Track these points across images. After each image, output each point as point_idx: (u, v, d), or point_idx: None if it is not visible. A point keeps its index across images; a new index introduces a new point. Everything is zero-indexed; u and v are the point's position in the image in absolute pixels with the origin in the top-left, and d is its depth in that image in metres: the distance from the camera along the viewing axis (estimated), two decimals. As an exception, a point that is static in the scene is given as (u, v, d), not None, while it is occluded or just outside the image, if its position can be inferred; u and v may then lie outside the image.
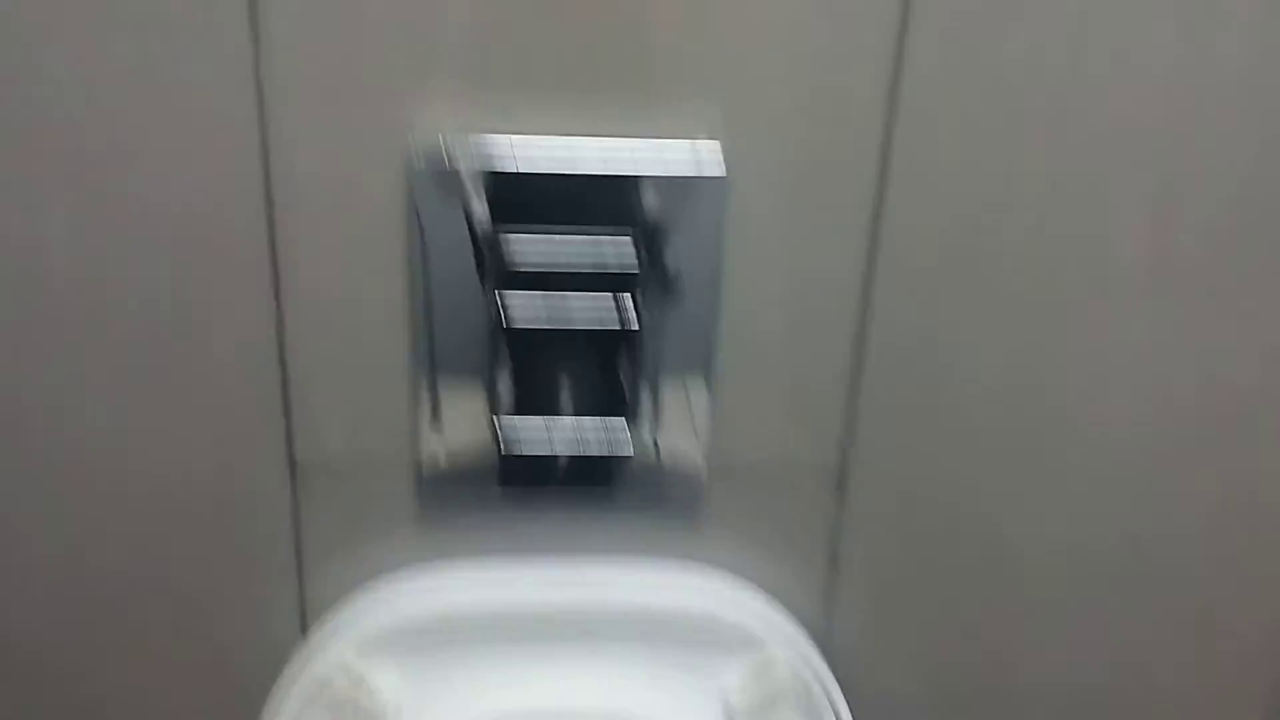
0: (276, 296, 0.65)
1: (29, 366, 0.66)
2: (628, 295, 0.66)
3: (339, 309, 0.66)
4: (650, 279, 0.66)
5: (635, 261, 0.66)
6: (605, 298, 0.67)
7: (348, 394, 0.67)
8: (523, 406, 0.69)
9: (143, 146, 0.61)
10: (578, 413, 0.69)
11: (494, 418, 0.69)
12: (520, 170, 0.63)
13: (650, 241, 0.66)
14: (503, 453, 0.70)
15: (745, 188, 0.64)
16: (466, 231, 0.65)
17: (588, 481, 0.71)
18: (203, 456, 0.68)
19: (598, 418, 0.70)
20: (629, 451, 0.70)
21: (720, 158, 0.63)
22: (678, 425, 0.70)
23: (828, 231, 0.66)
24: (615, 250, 0.66)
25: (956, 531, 0.74)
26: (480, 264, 0.65)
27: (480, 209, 0.64)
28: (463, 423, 0.69)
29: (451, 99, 0.62)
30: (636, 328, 0.67)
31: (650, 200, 0.65)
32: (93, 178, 0.61)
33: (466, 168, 0.63)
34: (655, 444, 0.70)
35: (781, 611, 0.72)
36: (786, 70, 0.62)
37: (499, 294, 0.66)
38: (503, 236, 0.65)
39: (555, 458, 0.70)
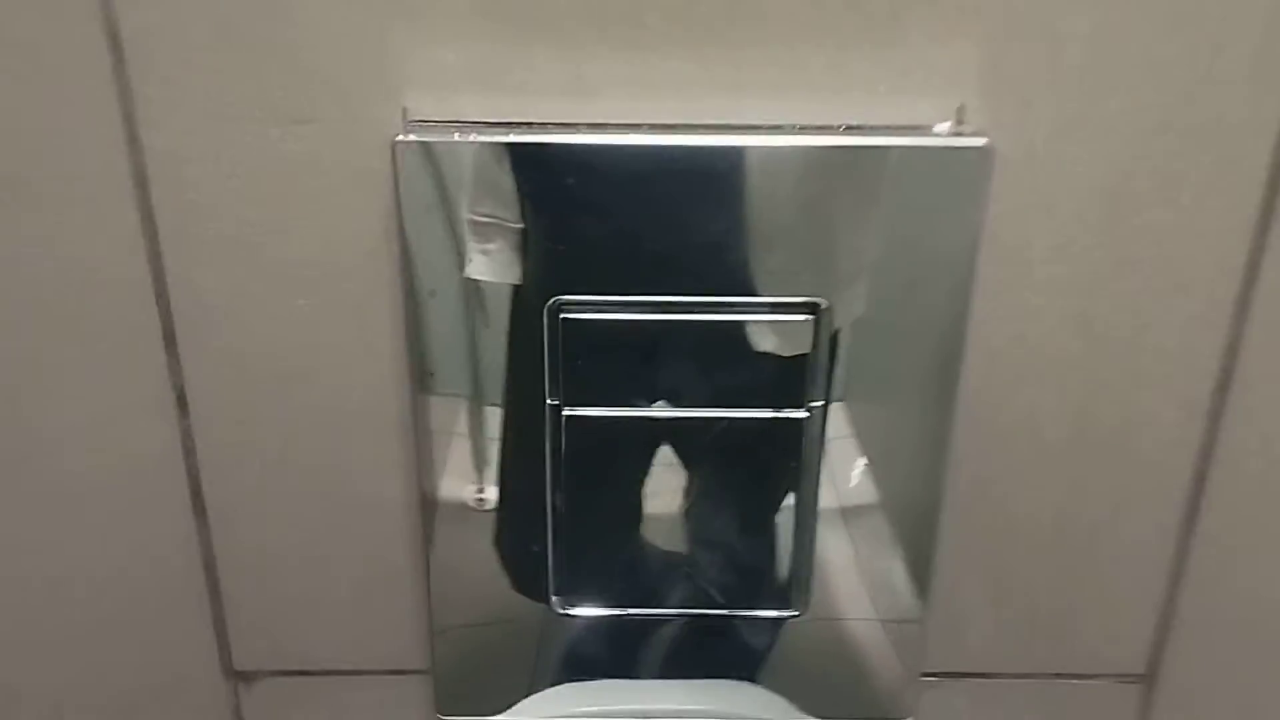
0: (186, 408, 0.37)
1: None
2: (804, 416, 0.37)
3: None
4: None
5: (819, 354, 0.37)
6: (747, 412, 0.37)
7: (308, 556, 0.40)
8: (606, 588, 0.40)
9: None
10: (703, 598, 0.40)
11: (557, 605, 0.40)
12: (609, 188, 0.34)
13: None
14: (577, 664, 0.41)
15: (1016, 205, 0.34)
16: (507, 302, 0.36)
17: (719, 707, 0.43)
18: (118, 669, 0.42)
19: (738, 612, 0.41)
20: (785, 656, 0.41)
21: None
22: (873, 611, 0.41)
23: (1157, 296, 0.36)
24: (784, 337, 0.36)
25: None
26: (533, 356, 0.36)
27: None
28: (506, 611, 0.40)
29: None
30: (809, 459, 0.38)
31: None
32: None
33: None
34: (832, 641, 0.41)
35: None
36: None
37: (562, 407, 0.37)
38: (569, 310, 0.36)
39: (662, 665, 0.42)
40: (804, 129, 0.34)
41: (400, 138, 0.33)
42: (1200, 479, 0.40)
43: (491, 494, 0.39)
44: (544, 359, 0.37)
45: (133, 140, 0.34)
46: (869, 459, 0.39)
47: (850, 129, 0.34)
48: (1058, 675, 0.43)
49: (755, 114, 0.34)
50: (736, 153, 0.34)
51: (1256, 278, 0.36)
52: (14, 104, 0.33)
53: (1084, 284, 0.36)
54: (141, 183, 0.34)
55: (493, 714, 0.43)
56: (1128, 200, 0.35)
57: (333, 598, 0.41)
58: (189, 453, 0.38)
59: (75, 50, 0.32)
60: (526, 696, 0.43)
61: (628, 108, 0.34)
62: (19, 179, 0.34)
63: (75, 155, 0.34)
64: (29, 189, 0.34)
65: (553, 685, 0.42)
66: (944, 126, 0.34)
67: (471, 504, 0.39)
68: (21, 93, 0.33)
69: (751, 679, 0.42)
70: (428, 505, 0.39)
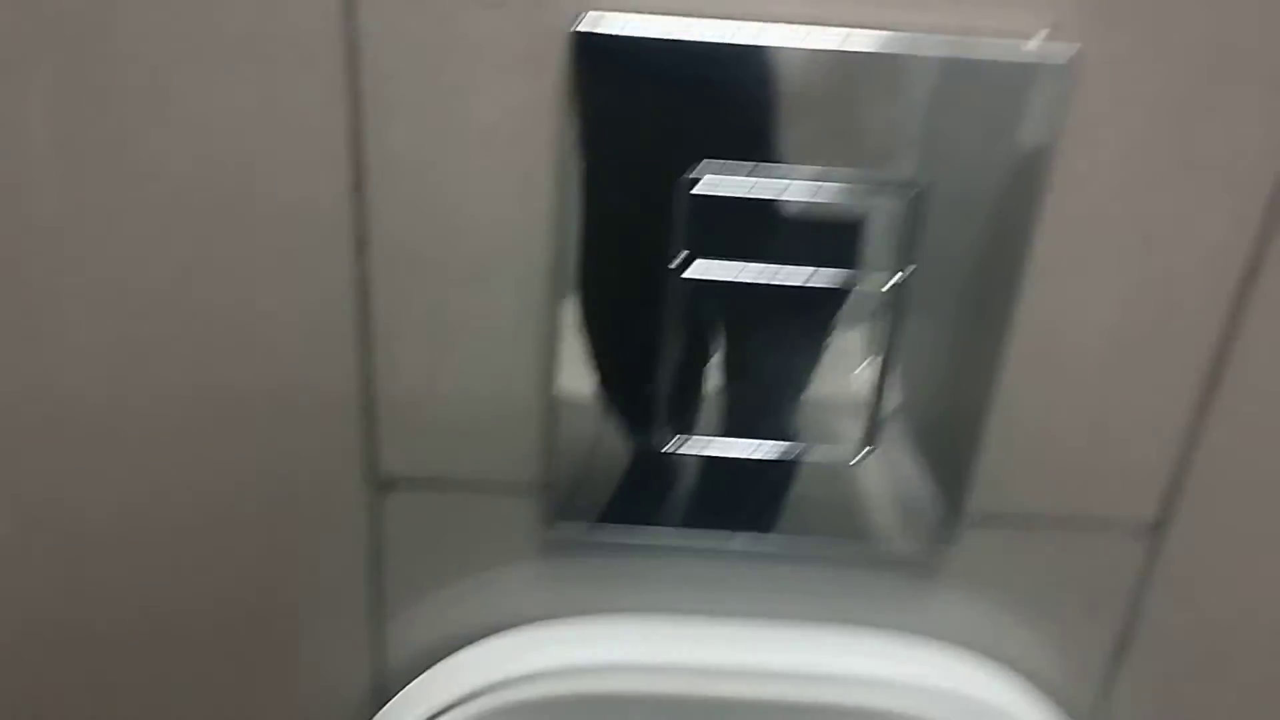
0: (360, 249, 0.43)
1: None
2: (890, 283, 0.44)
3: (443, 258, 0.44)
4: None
5: (908, 230, 0.43)
6: (842, 276, 0.44)
7: (455, 386, 0.46)
8: (701, 419, 0.47)
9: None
10: (782, 431, 0.47)
11: (661, 431, 0.48)
12: (741, 77, 0.40)
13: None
14: (671, 482, 0.48)
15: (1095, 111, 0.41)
16: (641, 173, 0.42)
17: (788, 532, 0.49)
18: (270, 474, 0.49)
19: (813, 450, 0.47)
20: (852, 492, 0.48)
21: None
22: (929, 456, 0.47)
23: (1201, 198, 0.43)
24: (875, 206, 0.43)
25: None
26: (661, 211, 0.42)
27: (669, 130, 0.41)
28: (613, 439, 0.47)
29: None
30: (888, 322, 0.45)
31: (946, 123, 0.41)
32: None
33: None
34: (892, 481, 0.48)
35: (1044, 706, 0.52)
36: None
37: (684, 253, 0.43)
38: (697, 172, 0.42)
39: (742, 493, 0.48)
40: (914, 33, 0.40)
41: (577, 27, 0.39)
42: (1219, 363, 0.46)
43: (611, 340, 0.46)
44: (671, 223, 0.43)
45: (350, 15, 0.39)
46: (943, 325, 0.45)
47: (960, 33, 0.40)
48: (1081, 521, 0.50)
49: (875, 19, 0.40)
50: (855, 53, 0.40)
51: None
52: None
53: (1145, 184, 0.43)
54: (353, 48, 0.40)
55: (595, 526, 0.50)
56: (1187, 112, 0.41)
57: (470, 420, 0.48)
58: (363, 287, 0.45)
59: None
60: (625, 517, 0.50)
61: (768, 8, 0.40)
62: (248, 37, 0.40)
63: (299, 21, 0.40)
64: (255, 47, 0.40)
65: (647, 507, 0.50)
66: (1039, 36, 0.40)
67: (593, 346, 0.46)
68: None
69: (822, 510, 0.50)
70: (557, 346, 0.46)
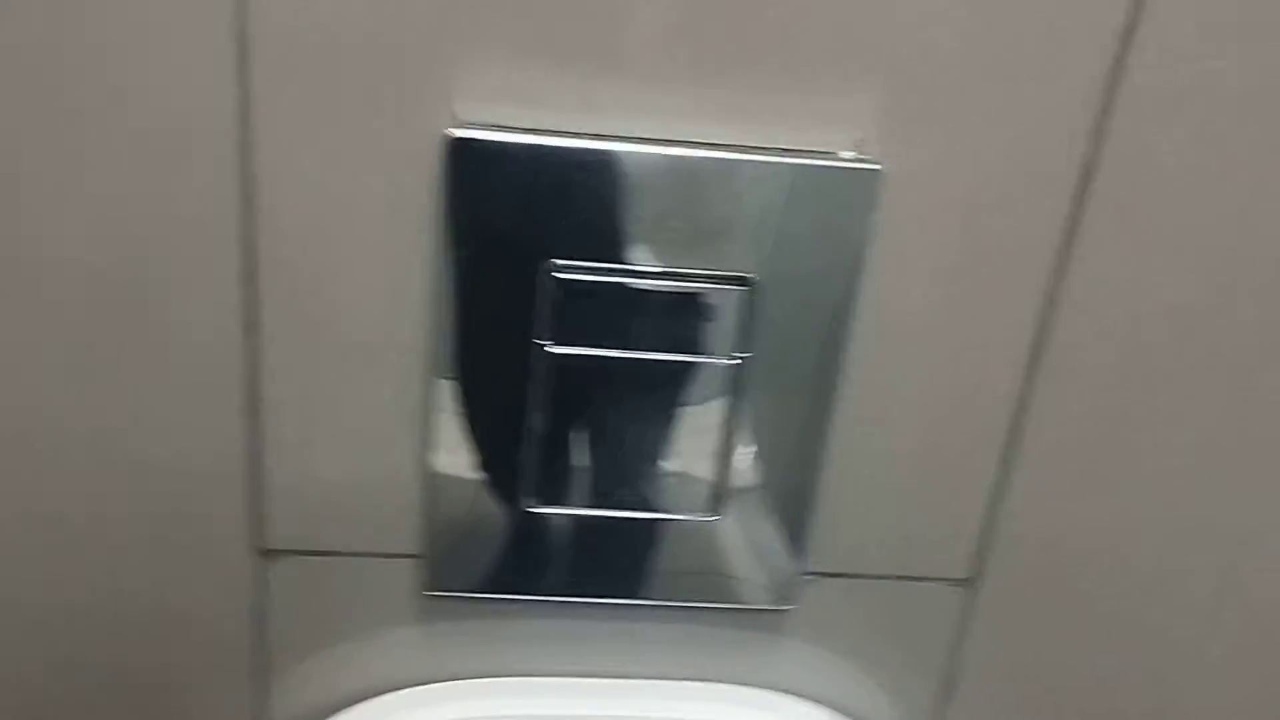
0: (249, 331, 0.47)
1: None
2: (730, 363, 0.50)
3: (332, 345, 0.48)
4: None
5: (745, 317, 0.49)
6: (700, 368, 0.50)
7: (337, 459, 0.50)
8: (569, 488, 0.52)
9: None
10: (642, 499, 0.52)
11: (527, 505, 0.52)
12: (597, 182, 0.46)
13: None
14: (542, 548, 0.52)
15: (899, 213, 0.48)
16: (511, 262, 0.47)
17: (647, 592, 0.54)
18: (159, 541, 0.52)
19: (669, 515, 0.52)
20: (704, 554, 0.54)
21: (870, 176, 0.47)
22: (772, 519, 0.53)
23: (991, 285, 0.50)
24: (720, 302, 0.49)
25: (1109, 671, 0.58)
26: (526, 296, 0.48)
27: (536, 233, 0.47)
28: (485, 509, 0.51)
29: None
30: (730, 398, 0.51)
31: (774, 229, 0.48)
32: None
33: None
34: (739, 543, 0.53)
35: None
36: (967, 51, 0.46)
37: (547, 346, 0.49)
38: (559, 271, 0.47)
39: (606, 556, 0.53)
40: (746, 148, 0.46)
41: (450, 132, 0.45)
42: (1016, 432, 0.53)
43: (482, 415, 0.51)
44: (535, 307, 0.48)
45: (244, 115, 0.44)
46: (778, 401, 0.51)
47: (780, 150, 0.47)
48: (903, 577, 0.56)
49: (713, 135, 0.46)
50: (696, 162, 0.46)
51: (1066, 272, 0.50)
52: (154, 103, 0.43)
53: (944, 273, 0.50)
54: (248, 145, 0.45)
55: (469, 592, 0.54)
56: (975, 212, 0.49)
57: (352, 491, 0.51)
58: (252, 366, 0.48)
59: (204, 46, 0.43)
60: (499, 582, 0.54)
61: (621, 124, 0.46)
62: (150, 133, 0.44)
63: (198, 121, 0.44)
64: (155, 143, 0.44)
65: (520, 572, 0.54)
66: (848, 153, 0.47)
67: (466, 422, 0.51)
68: (152, 87, 0.43)
69: (678, 570, 0.55)
70: (434, 420, 0.50)
